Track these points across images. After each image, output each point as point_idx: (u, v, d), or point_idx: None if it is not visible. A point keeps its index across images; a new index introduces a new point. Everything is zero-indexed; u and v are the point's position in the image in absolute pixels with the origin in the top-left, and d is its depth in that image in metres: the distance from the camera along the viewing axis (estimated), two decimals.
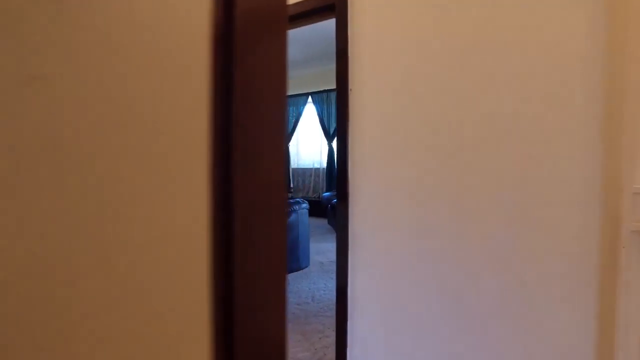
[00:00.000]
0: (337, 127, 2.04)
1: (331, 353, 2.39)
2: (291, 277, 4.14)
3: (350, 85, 1.96)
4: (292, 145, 8.97)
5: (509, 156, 1.48)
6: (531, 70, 1.42)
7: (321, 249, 5.44)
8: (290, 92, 8.77)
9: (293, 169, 9.06)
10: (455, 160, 1.61)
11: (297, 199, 4.51)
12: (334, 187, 8.12)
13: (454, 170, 1.61)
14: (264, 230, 0.46)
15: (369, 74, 1.88)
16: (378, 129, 1.86)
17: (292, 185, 8.94)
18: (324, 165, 8.54)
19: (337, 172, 2.07)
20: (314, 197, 8.82)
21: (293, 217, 4.29)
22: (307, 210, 4.56)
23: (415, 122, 1.73)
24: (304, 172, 9.05)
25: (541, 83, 1.41)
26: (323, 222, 7.74)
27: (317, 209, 8.31)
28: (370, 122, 1.89)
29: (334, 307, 2.02)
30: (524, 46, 1.44)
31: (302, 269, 4.42)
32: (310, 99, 8.41)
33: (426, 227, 1.70)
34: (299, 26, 2.25)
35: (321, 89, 8.15)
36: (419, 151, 1.71)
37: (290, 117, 8.81)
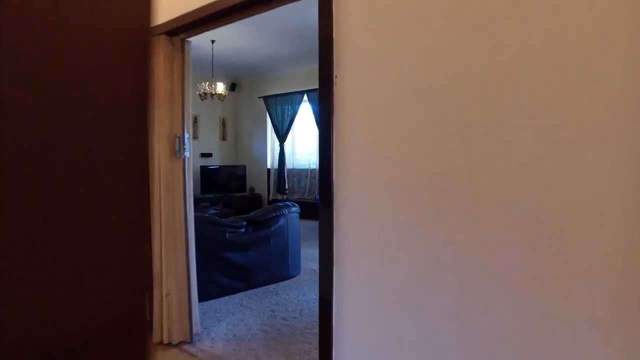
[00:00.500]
0: (320, 121, 1.74)
1: None
2: (280, 287, 3.84)
3: (336, 72, 1.65)
4: (288, 145, 8.67)
5: (527, 154, 1.17)
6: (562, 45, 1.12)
7: (314, 255, 5.11)
8: (284, 90, 8.47)
9: (288, 170, 8.76)
10: (461, 160, 1.30)
11: (287, 202, 4.21)
12: None
13: (460, 172, 1.31)
14: None
15: (358, 59, 1.58)
16: (370, 123, 1.56)
17: (287, 187, 8.64)
18: None
19: (319, 174, 1.78)
20: (310, 199, 8.51)
21: (282, 221, 3.99)
22: (297, 215, 4.26)
23: (414, 113, 1.42)
24: (300, 173, 8.75)
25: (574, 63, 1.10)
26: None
27: (313, 211, 8.01)
28: (360, 114, 1.59)
29: None
30: (554, 20, 1.13)
31: (292, 277, 4.12)
32: (305, 97, 8.11)
33: (427, 240, 1.39)
34: (275, 7, 1.95)
35: (317, 87, 7.83)
36: (418, 148, 1.41)
37: (285, 116, 8.51)
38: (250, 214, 3.90)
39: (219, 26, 2.42)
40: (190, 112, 2.71)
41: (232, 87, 9.26)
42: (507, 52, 1.21)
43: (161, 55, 2.53)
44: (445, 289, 1.35)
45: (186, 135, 2.64)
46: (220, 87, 6.26)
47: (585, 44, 1.08)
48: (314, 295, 3.60)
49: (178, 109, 2.61)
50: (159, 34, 2.52)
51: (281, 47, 6.71)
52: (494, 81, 1.23)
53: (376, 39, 1.50)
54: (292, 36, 6.28)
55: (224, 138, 9.30)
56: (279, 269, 3.99)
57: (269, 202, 8.91)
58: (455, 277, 1.32)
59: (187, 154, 2.64)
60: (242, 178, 8.82)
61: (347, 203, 1.62)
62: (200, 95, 6.21)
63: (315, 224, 6.73)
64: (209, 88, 6.24)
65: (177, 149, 2.59)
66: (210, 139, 9.03)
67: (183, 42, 2.65)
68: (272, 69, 8.41)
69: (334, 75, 1.64)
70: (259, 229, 3.80)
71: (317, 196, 7.75)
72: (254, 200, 8.70)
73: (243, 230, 3.68)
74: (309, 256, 4.88)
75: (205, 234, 3.43)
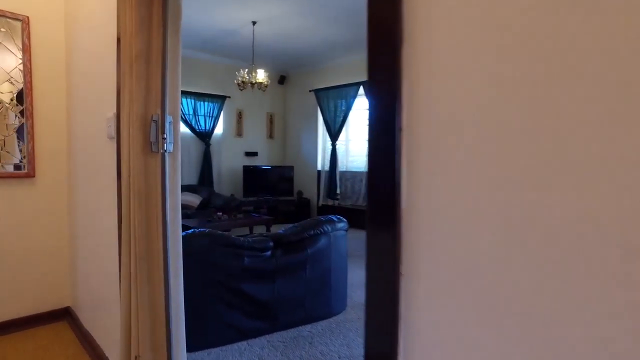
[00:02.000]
0: (371, 88, 0.76)
1: None
2: (316, 330, 2.85)
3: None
4: (340, 145, 7.68)
5: None
6: None
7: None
8: (337, 82, 7.49)
9: (340, 172, 7.78)
10: None
11: (332, 217, 3.21)
12: None
13: None
14: None
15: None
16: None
17: (338, 191, 7.66)
18: None
19: (371, 175, 0.82)
20: (365, 206, 7.45)
21: (323, 242, 3.00)
22: (344, 233, 3.25)
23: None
24: (354, 176, 7.73)
25: None
26: None
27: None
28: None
29: None
30: None
31: (335, 315, 3.12)
32: (361, 89, 7.08)
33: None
34: None
35: None
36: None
37: (338, 112, 7.53)
38: (281, 231, 2.95)
39: None
40: (178, 84, 1.80)
41: (280, 80, 8.45)
42: None
43: None
44: None
45: (168, 119, 1.73)
46: (261, 75, 5.40)
47: None
48: (362, 347, 2.57)
49: (156, 78, 1.71)
50: None
51: (334, 31, 5.73)
52: None
53: None
54: (346, 18, 5.28)
55: (270, 136, 8.50)
56: (316, 304, 3.01)
57: (319, 208, 7.96)
58: None
59: (168, 147, 1.74)
60: (290, 180, 7.96)
61: (427, 224, 0.62)
62: (238, 84, 5.40)
63: None
64: (247, 76, 5.40)
65: (152, 138, 1.69)
66: (256, 137, 8.26)
67: None
68: (324, 58, 7.46)
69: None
70: (291, 252, 2.84)
71: None
72: (302, 205, 7.80)
73: (269, 253, 2.74)
74: (358, 282, 3.85)
75: (215, 259, 2.53)
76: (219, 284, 2.55)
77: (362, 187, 7.59)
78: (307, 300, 2.95)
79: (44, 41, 2.85)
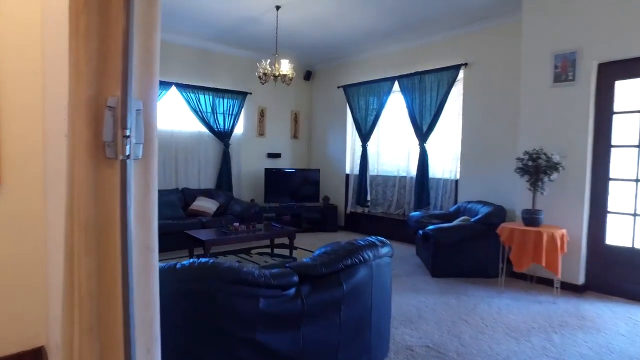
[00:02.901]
0: None
1: None
2: None
3: None
4: (371, 147, 6.95)
5: None
6: None
7: (407, 309, 3.37)
8: (369, 77, 6.76)
9: (371, 177, 7.05)
10: None
11: (372, 239, 2.50)
12: (425, 203, 5.95)
13: None
14: None
15: None
16: None
17: (369, 198, 6.93)
18: (413, 173, 6.40)
19: None
20: (398, 215, 6.71)
21: (363, 274, 2.30)
22: (389, 260, 2.54)
23: None
24: (386, 181, 6.99)
25: None
26: (408, 250, 5.62)
27: (400, 230, 6.20)
28: None
29: None
30: None
31: None
32: (396, 85, 6.34)
33: None
34: None
35: (413, 71, 6.04)
36: None
37: (369, 110, 6.80)
38: (308, 260, 2.25)
39: None
40: (155, 48, 1.12)
41: (306, 75, 7.78)
42: None
43: None
44: None
45: (134, 105, 1.06)
46: (286, 66, 4.74)
47: None
48: None
49: (115, 37, 1.04)
50: None
51: (368, 17, 5.02)
52: None
53: None
54: (382, 1, 4.57)
55: (295, 136, 7.85)
56: (353, 352, 2.31)
57: (346, 216, 7.25)
58: None
59: (134, 149, 1.06)
60: (315, 185, 7.28)
61: None
62: (259, 77, 4.75)
63: (403, 248, 4.74)
64: (270, 68, 4.74)
65: (107, 137, 1.02)
66: (279, 137, 7.63)
67: None
68: (355, 50, 6.75)
69: None
70: (322, 289, 2.15)
71: (411, 214, 5.93)
72: (328, 213, 7.11)
73: (293, 291, 2.05)
74: (400, 315, 3.13)
75: (220, 301, 1.87)
76: (226, 334, 1.88)
77: (394, 193, 6.84)
78: (342, 349, 2.25)
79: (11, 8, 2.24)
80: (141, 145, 1.09)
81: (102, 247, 1.06)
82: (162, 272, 1.92)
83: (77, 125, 1.04)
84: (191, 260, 1.95)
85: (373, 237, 2.56)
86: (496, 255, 4.30)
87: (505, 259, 3.97)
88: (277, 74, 4.74)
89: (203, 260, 1.95)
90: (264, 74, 4.71)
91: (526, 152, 3.80)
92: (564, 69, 3.91)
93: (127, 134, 1.04)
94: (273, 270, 2.05)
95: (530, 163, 3.71)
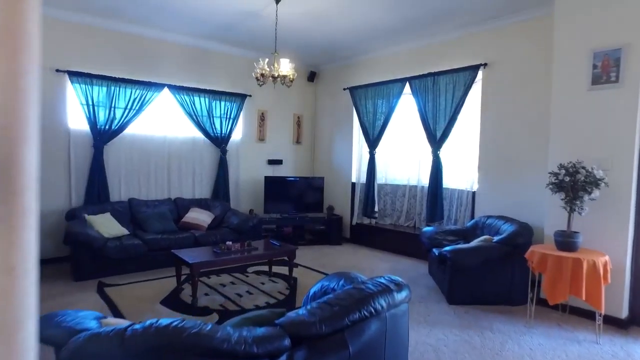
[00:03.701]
0: None
1: None
2: None
3: None
4: (380, 153, 6.45)
5: None
6: None
7: (423, 350, 2.85)
8: (378, 79, 6.26)
9: (379, 186, 6.55)
10: None
11: (385, 281, 1.99)
12: (439, 217, 5.43)
13: None
14: None
15: None
16: None
17: (376, 209, 6.42)
18: (424, 182, 5.89)
19: None
20: (408, 227, 6.20)
21: (375, 329, 1.80)
22: (406, 307, 2.03)
23: None
24: (394, 190, 6.48)
25: None
26: (419, 267, 5.09)
27: (410, 244, 5.68)
28: None
29: None
30: None
31: None
32: (407, 87, 5.83)
33: None
34: None
35: (426, 72, 5.53)
36: None
37: (378, 114, 6.30)
38: (303, 313, 1.75)
39: None
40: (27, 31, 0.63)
41: (310, 76, 7.31)
42: None
43: None
44: None
45: None
46: (286, 66, 4.25)
47: None
48: None
49: None
50: None
51: (376, 13, 4.52)
52: None
53: None
54: None
55: (298, 141, 7.37)
56: None
57: (352, 228, 6.75)
58: None
59: None
60: (319, 193, 6.79)
61: None
62: (257, 78, 4.27)
63: (416, 265, 3.91)
64: (268, 68, 4.26)
65: None
66: (280, 142, 7.15)
67: None
68: (362, 49, 6.25)
69: None
70: (322, 355, 1.65)
71: (424, 229, 5.33)
72: (333, 224, 6.61)
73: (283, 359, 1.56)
74: (415, 356, 2.63)
75: None
76: None
77: (404, 203, 6.33)
78: None
79: None
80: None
81: None
82: (105, 340, 1.44)
83: None
84: (148, 323, 1.47)
85: (386, 277, 2.06)
86: (522, 280, 3.79)
87: (535, 287, 3.46)
88: (276, 74, 4.25)
89: (164, 323, 1.46)
90: (262, 74, 4.22)
91: (562, 166, 3.28)
92: (605, 69, 3.38)
93: None
94: (257, 332, 1.56)
95: (567, 179, 3.19)
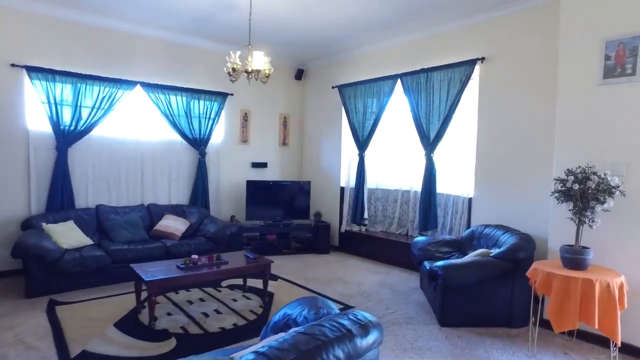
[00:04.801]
0: None
1: None
2: None
3: None
4: (369, 156, 6.01)
5: None
6: None
7: None
8: (366, 76, 5.83)
9: (370, 190, 6.11)
10: None
11: (347, 323, 1.55)
12: (432, 225, 4.99)
13: None
14: None
15: None
16: None
17: (366, 215, 5.97)
18: (417, 187, 5.45)
19: None
20: (399, 235, 5.76)
21: None
22: (376, 352, 1.59)
23: None
24: (386, 195, 6.05)
25: None
26: (410, 280, 4.62)
27: (401, 253, 5.23)
28: None
29: None
30: None
31: None
32: (399, 84, 5.39)
33: None
34: None
35: (418, 68, 5.10)
36: None
37: (368, 114, 5.86)
38: None
39: None
40: None
41: (297, 74, 6.89)
42: None
43: None
44: None
45: None
46: (260, 60, 3.82)
47: None
48: None
49: None
50: None
51: (366, 4, 4.09)
52: None
53: None
54: None
55: (284, 143, 6.94)
56: None
57: (341, 235, 6.31)
58: None
59: None
60: (306, 199, 6.35)
61: None
62: (229, 73, 3.83)
63: (407, 277, 3.28)
64: (240, 61, 3.83)
65: None
66: (265, 144, 6.72)
67: None
68: (351, 44, 5.82)
69: None
70: None
71: (415, 239, 4.78)
72: (320, 231, 6.17)
73: None
74: None
75: None
76: None
77: (396, 209, 5.89)
78: None
79: None
80: None
81: None
82: None
83: None
84: None
85: (351, 315, 1.62)
86: (523, 300, 3.35)
87: (539, 307, 3.02)
88: (249, 69, 3.82)
89: None
90: (233, 69, 3.79)
91: (570, 172, 2.85)
92: (620, 60, 2.95)
93: None
94: None
95: (576, 186, 2.75)
